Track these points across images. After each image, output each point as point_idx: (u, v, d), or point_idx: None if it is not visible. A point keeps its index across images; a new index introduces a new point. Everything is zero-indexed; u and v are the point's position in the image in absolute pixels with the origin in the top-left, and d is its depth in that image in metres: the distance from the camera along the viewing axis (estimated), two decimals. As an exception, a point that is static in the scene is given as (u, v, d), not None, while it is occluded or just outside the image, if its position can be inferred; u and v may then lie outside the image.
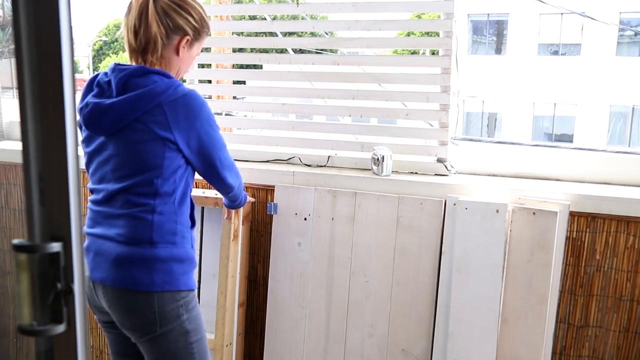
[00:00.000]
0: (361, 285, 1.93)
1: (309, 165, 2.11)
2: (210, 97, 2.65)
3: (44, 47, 0.59)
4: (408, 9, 2.04)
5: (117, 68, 1.45)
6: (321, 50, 3.38)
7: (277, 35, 2.53)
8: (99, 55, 29.52)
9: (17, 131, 2.54)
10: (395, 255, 1.88)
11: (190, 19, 1.48)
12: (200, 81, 2.29)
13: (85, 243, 1.52)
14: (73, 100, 0.61)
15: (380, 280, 1.91)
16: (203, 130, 1.44)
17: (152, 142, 1.40)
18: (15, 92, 0.59)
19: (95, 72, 1.53)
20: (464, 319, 1.79)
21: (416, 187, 1.90)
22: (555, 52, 16.68)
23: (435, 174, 2.00)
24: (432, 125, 2.13)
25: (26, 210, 0.61)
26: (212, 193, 1.99)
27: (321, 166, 2.11)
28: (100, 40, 30.12)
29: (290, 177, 2.02)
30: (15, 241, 0.61)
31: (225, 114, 2.35)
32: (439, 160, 2.01)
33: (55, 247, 0.61)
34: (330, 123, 2.20)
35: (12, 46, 0.59)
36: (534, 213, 1.74)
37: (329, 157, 2.11)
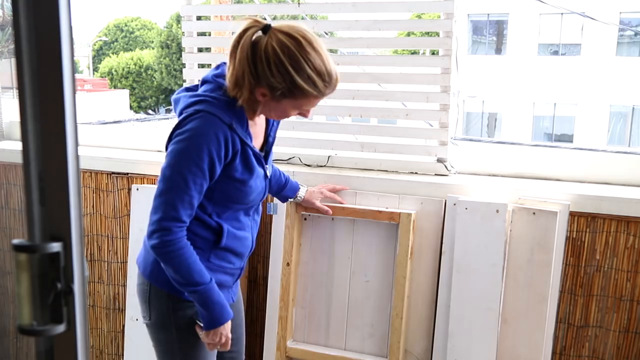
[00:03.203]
0: (361, 285, 1.93)
1: (309, 165, 2.11)
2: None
3: (44, 47, 0.59)
4: (408, 9, 2.04)
5: None
6: (321, 50, 3.37)
7: (277, 35, 2.52)
8: (99, 55, 29.50)
9: (17, 131, 2.54)
10: (396, 255, 1.88)
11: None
12: (200, 81, 2.29)
13: None
14: (73, 100, 0.61)
15: (380, 280, 1.91)
16: None
17: None
18: (15, 92, 0.59)
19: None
20: (464, 319, 1.79)
21: (416, 187, 1.89)
22: (555, 52, 16.67)
23: (435, 174, 2.00)
24: (432, 125, 2.13)
25: (26, 210, 0.61)
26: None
27: (321, 166, 2.11)
28: (100, 40, 30.09)
29: (290, 177, 2.02)
30: (15, 241, 0.61)
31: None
32: (439, 160, 2.01)
33: (55, 247, 0.61)
34: (330, 123, 2.20)
35: (12, 46, 0.59)
36: (534, 213, 1.73)
37: (329, 157, 2.11)
